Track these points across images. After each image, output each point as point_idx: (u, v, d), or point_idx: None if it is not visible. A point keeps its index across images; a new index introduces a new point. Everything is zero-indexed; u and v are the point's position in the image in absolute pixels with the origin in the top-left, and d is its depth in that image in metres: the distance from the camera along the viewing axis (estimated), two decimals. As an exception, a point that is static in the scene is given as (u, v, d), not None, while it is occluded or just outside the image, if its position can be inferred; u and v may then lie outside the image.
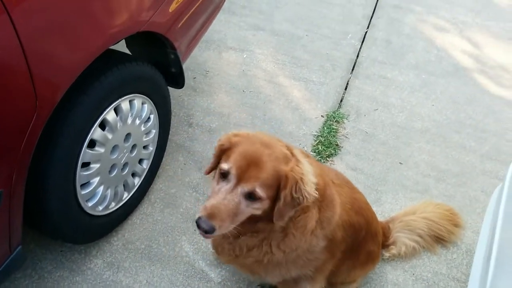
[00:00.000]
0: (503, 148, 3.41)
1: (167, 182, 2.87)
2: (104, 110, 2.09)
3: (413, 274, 2.60)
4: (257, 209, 1.62)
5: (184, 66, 2.66)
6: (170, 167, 2.95)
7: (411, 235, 2.64)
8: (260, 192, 1.55)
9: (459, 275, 2.61)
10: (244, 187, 1.55)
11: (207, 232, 1.54)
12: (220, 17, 4.05)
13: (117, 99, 2.16)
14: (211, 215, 1.53)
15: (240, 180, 1.56)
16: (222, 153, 1.69)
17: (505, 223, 2.01)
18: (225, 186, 1.58)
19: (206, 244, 2.58)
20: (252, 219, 1.70)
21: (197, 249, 2.57)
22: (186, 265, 2.49)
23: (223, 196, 1.56)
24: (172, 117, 3.21)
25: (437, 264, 2.65)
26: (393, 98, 3.72)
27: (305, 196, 1.60)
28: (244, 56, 3.93)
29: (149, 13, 2.14)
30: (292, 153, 1.67)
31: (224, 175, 1.61)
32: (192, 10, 2.57)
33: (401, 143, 3.34)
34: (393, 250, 2.60)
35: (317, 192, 1.67)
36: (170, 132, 2.87)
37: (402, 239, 2.62)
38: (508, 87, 4.00)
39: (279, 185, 1.60)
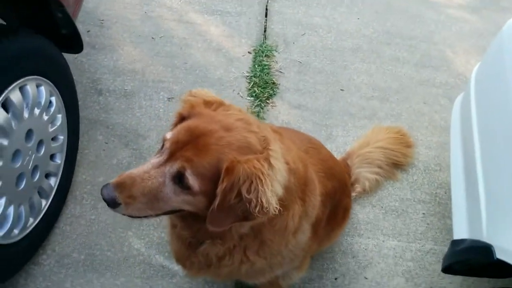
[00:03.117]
0: (433, 52, 3.33)
1: (91, 170, 2.36)
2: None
3: (382, 207, 2.50)
4: (187, 203, 1.26)
5: (74, 22, 2.05)
6: (89, 150, 2.42)
7: (371, 168, 2.51)
8: (190, 179, 1.18)
9: (424, 196, 2.56)
10: (173, 166, 1.20)
11: (108, 203, 1.22)
12: None
13: (2, 91, 1.57)
14: (120, 185, 1.21)
15: (171, 157, 1.22)
16: (181, 122, 1.31)
17: (483, 132, 1.89)
18: (155, 159, 1.24)
19: (159, 233, 2.21)
20: (199, 220, 1.34)
21: (150, 242, 2.18)
22: (142, 265, 2.11)
23: (147, 169, 1.22)
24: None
25: (401, 190, 2.57)
26: (317, 18, 3.40)
27: (261, 201, 1.18)
28: (141, -6, 3.28)
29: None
30: (267, 147, 1.27)
31: (162, 147, 1.26)
32: None
33: (338, 67, 3.09)
34: (358, 188, 2.47)
35: (282, 197, 1.30)
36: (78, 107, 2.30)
37: (363, 174, 2.49)
38: (421, -14, 3.87)
39: None
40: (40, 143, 1.87)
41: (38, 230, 2.00)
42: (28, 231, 1.90)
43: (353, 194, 2.45)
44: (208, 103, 1.33)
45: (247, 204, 1.18)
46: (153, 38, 3.00)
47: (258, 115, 2.69)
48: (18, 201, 1.79)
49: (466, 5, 3.76)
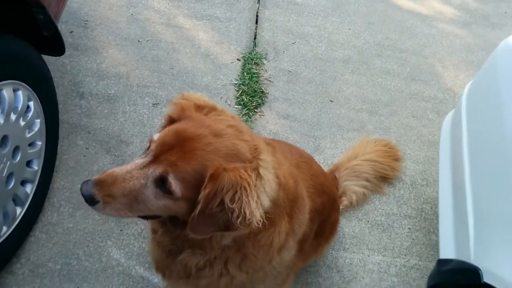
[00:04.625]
0: (422, 66, 3.31)
1: (70, 176, 2.27)
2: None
3: (368, 221, 2.46)
4: (168, 207, 1.21)
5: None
6: (69, 156, 2.33)
7: (358, 181, 2.47)
8: (173, 184, 1.15)
9: (410, 211, 2.53)
10: (156, 169, 1.16)
11: (86, 200, 1.19)
12: None
13: (-25, 96, 1.49)
14: (101, 183, 1.18)
15: (155, 159, 1.18)
16: (170, 124, 1.27)
17: (473, 150, 1.86)
18: (140, 160, 1.21)
19: (139, 244, 2.14)
20: (179, 226, 1.31)
21: (129, 253, 2.11)
22: (121, 276, 2.04)
23: (129, 169, 1.19)
24: (56, 90, 2.52)
25: (388, 204, 2.54)
26: (308, 27, 3.36)
27: (244, 213, 1.13)
28: (129, -5, 3.20)
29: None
30: (257, 157, 1.21)
31: (148, 148, 1.22)
32: None
33: (327, 78, 3.05)
34: (345, 201, 2.42)
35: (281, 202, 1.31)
36: (59, 110, 2.22)
37: (351, 187, 2.44)
38: (415, -1, 3.87)
39: None
40: (16, 149, 1.79)
41: (13, 239, 1.91)
42: (1, 240, 1.82)
43: (340, 207, 2.41)
44: (199, 107, 1.28)
45: (229, 214, 1.14)
46: (139, 41, 2.92)
47: (246, 124, 2.64)
48: (-9, 210, 1.71)
49: (457, 20, 3.77)
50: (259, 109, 2.76)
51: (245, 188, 1.13)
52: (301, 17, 3.42)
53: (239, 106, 2.73)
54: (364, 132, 2.82)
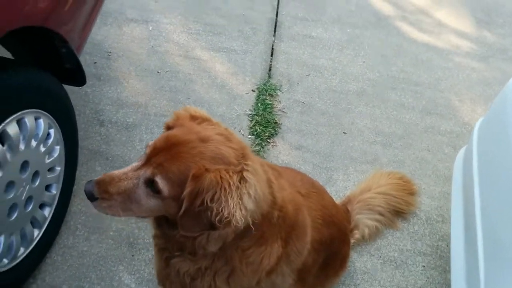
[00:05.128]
0: (438, 100, 3.32)
1: (87, 201, 2.25)
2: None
3: (380, 257, 2.43)
4: (158, 206, 1.31)
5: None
6: (87, 181, 2.40)
7: (371, 214, 2.44)
8: (160, 184, 1.25)
9: (424, 248, 2.49)
10: (147, 171, 1.28)
11: (87, 196, 1.35)
12: (112, -18, 3.38)
13: (-2, 124, 1.58)
14: (101, 183, 1.32)
15: (147, 162, 1.31)
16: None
17: (484, 188, 1.85)
18: (135, 163, 1.35)
19: (150, 270, 2.16)
20: (172, 228, 1.38)
21: (140, 278, 2.14)
22: (130, 302, 2.06)
23: (126, 171, 1.32)
24: (77, 117, 2.62)
25: (401, 240, 2.51)
26: (322, 60, 3.42)
27: (221, 212, 1.19)
28: (150, 29, 3.34)
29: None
30: (243, 162, 1.26)
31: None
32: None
33: (341, 110, 3.09)
34: (357, 235, 2.39)
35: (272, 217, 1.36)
36: (79, 137, 2.30)
37: (363, 221, 2.42)
38: (431, 32, 3.91)
39: None
40: (35, 174, 1.86)
41: (29, 260, 1.97)
42: (18, 260, 1.88)
43: (352, 241, 2.39)
44: (194, 117, 1.39)
45: (209, 213, 1.20)
46: (158, 72, 3.04)
47: (258, 154, 2.68)
48: (9, 231, 1.77)
49: (473, 54, 3.78)
50: (272, 139, 2.80)
51: (225, 188, 1.20)
52: (316, 50, 3.49)
53: (253, 136, 2.78)
54: (377, 164, 2.82)
